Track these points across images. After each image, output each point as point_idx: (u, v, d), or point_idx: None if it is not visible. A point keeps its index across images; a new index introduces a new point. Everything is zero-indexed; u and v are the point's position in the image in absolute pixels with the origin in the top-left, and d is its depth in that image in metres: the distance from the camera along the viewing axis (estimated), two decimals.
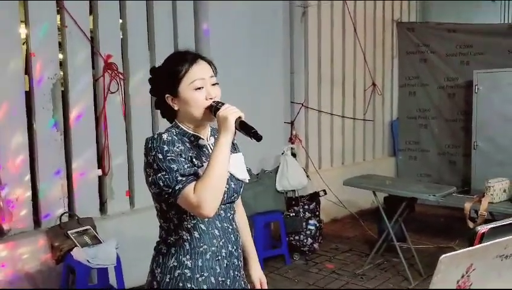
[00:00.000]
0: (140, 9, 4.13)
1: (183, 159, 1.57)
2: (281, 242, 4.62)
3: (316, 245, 4.80)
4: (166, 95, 1.66)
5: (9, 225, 3.50)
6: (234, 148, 1.80)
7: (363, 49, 6.44)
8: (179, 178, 1.53)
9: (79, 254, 3.36)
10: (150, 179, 1.59)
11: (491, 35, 6.18)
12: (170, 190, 1.53)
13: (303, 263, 4.64)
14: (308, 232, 4.74)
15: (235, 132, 1.58)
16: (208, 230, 1.65)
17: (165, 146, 1.57)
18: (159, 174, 1.54)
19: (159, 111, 1.77)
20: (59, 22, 3.75)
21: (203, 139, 1.70)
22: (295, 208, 4.74)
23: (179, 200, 1.54)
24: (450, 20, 6.80)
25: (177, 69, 1.63)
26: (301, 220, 4.71)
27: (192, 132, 1.68)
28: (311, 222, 4.76)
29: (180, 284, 1.62)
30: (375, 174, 5.07)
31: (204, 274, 1.64)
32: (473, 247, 0.96)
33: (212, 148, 1.66)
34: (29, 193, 3.59)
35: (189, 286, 1.62)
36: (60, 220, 3.65)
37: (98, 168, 4.00)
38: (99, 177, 4.02)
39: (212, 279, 1.65)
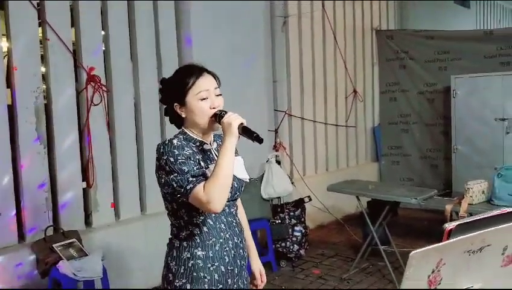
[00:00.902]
0: (122, 21, 4.17)
1: (192, 162, 1.75)
2: (267, 249, 4.65)
3: (302, 251, 4.85)
4: (175, 104, 1.85)
5: None
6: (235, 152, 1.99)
7: (344, 57, 6.55)
8: (190, 179, 1.72)
9: (65, 267, 3.35)
10: (163, 180, 1.78)
11: (468, 41, 6.33)
12: (182, 190, 1.72)
13: (290, 270, 4.68)
14: (294, 238, 4.78)
15: (239, 137, 1.77)
16: (215, 225, 1.85)
17: (175, 150, 1.75)
18: (172, 176, 1.73)
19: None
20: (41, 35, 3.77)
21: (207, 144, 1.89)
22: (281, 215, 4.79)
23: (190, 199, 1.72)
24: (427, 27, 6.98)
25: (185, 81, 1.83)
26: (287, 227, 4.75)
27: (197, 138, 1.87)
28: (297, 228, 4.81)
29: (194, 274, 1.81)
30: (358, 180, 5.15)
31: (215, 264, 1.83)
32: (442, 243, 1.02)
33: (215, 152, 1.90)
34: (13, 207, 3.58)
35: (202, 274, 1.81)
36: (45, 233, 3.64)
37: (83, 180, 3.99)
38: (84, 189, 4.02)
39: (222, 268, 1.84)
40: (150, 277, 4.01)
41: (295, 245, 4.77)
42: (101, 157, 4.05)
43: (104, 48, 4.10)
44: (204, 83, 1.84)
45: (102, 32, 4.10)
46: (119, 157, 4.18)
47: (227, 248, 1.86)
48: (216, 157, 1.86)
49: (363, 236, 4.90)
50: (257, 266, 2.11)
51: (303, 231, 4.84)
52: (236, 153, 1.94)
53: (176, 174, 1.73)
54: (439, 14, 8.33)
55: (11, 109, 3.60)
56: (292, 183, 5.20)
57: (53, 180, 3.82)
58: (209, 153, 1.89)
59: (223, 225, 1.86)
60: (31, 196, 3.67)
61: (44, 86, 3.83)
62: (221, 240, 1.85)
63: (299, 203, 4.98)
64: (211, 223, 1.84)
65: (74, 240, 3.63)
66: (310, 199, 5.10)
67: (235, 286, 1.90)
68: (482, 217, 1.12)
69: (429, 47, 6.60)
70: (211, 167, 1.78)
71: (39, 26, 3.73)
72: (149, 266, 4.01)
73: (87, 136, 3.96)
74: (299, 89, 5.95)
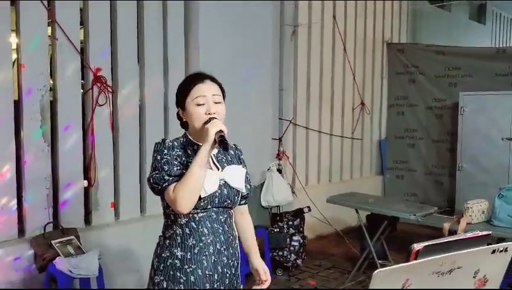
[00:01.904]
0: (131, 23, 4.21)
1: (176, 163, 1.83)
2: (264, 258, 4.64)
3: (299, 261, 4.84)
4: (179, 108, 1.96)
5: None
6: (235, 161, 2.03)
7: (353, 68, 6.55)
8: (166, 177, 1.82)
9: (62, 263, 3.39)
10: (148, 175, 1.88)
11: (480, 59, 6.30)
12: (159, 187, 1.83)
13: (286, 279, 4.68)
14: (291, 248, 4.77)
15: (216, 144, 1.80)
16: (197, 228, 1.87)
17: (165, 150, 1.86)
18: (153, 173, 1.85)
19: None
20: (50, 34, 3.83)
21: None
22: (279, 223, 4.79)
23: (165, 196, 1.83)
24: (440, 42, 6.95)
25: (185, 86, 1.93)
26: (285, 236, 4.75)
27: (196, 142, 1.92)
28: (295, 238, 4.81)
29: (171, 272, 1.87)
30: (359, 193, 5.13)
31: (192, 266, 1.86)
32: (408, 263, 1.02)
33: (214, 158, 1.94)
34: (14, 202, 3.62)
35: (178, 274, 1.86)
36: (44, 229, 3.68)
37: (84, 179, 4.04)
38: (85, 188, 4.06)
39: (199, 271, 1.86)
40: (145, 278, 4.01)
41: (292, 255, 4.77)
42: (103, 157, 4.09)
43: (111, 49, 4.15)
44: (202, 89, 1.89)
45: (111, 34, 4.14)
46: (121, 158, 4.22)
47: (206, 253, 1.87)
48: (213, 163, 1.93)
49: (360, 249, 4.88)
50: (259, 263, 2.12)
51: (301, 240, 4.84)
52: (237, 163, 2.02)
53: (156, 172, 1.83)
54: (453, 30, 8.31)
55: (17, 105, 3.66)
56: (293, 192, 5.20)
57: (55, 177, 3.86)
58: None
59: (205, 230, 1.87)
60: (32, 192, 3.71)
61: (51, 84, 3.88)
62: (201, 244, 1.86)
63: (299, 213, 4.97)
64: (194, 225, 1.87)
65: (73, 237, 3.67)
66: (310, 209, 5.09)
67: None
68: (454, 239, 1.13)
69: (440, 62, 6.58)
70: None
71: (48, 25, 3.79)
72: (145, 267, 4.01)
73: (90, 135, 4.01)
74: (305, 99, 5.96)
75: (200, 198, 1.82)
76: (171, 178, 1.81)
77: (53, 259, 3.45)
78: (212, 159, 1.93)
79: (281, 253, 4.76)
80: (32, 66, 3.65)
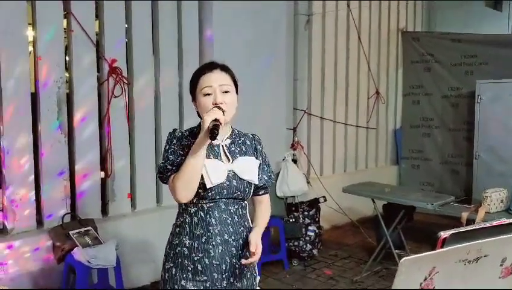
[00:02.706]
0: (146, 14, 4.22)
1: (183, 153, 1.84)
2: (280, 248, 4.66)
3: (315, 251, 4.84)
4: (192, 98, 1.95)
5: (12, 224, 3.58)
6: (250, 152, 1.97)
7: (367, 57, 6.49)
8: (168, 167, 1.85)
9: (80, 254, 3.43)
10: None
11: (496, 46, 6.19)
12: (163, 176, 1.87)
13: (301, 269, 4.68)
14: (307, 238, 4.77)
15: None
16: (205, 217, 1.87)
17: (174, 140, 1.89)
18: (161, 162, 1.89)
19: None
20: (65, 26, 3.84)
21: (217, 139, 1.83)
22: (295, 214, 4.79)
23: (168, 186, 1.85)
24: (455, 29, 6.83)
25: (194, 76, 1.92)
26: (301, 226, 4.75)
27: None
28: (310, 228, 4.80)
29: (179, 260, 1.89)
30: (375, 182, 5.10)
31: (199, 255, 1.86)
32: (435, 251, 1.01)
33: (225, 149, 1.92)
34: (32, 193, 3.67)
35: (186, 262, 1.87)
36: (62, 220, 3.72)
37: (101, 170, 4.07)
38: (102, 179, 4.09)
39: (206, 261, 1.85)
40: (161, 268, 4.06)
41: (308, 245, 4.77)
42: (119, 148, 4.12)
43: (126, 41, 4.16)
44: (210, 79, 1.87)
45: (126, 25, 4.15)
46: (137, 149, 4.24)
47: (213, 243, 1.85)
48: (224, 154, 1.91)
49: (376, 239, 4.86)
50: (252, 235, 1.90)
51: (317, 231, 4.83)
52: (250, 154, 1.96)
53: (163, 161, 1.88)
54: (469, 17, 8.16)
55: (34, 98, 3.69)
56: (308, 182, 5.19)
57: (72, 168, 3.90)
58: (216, 148, 1.91)
59: (213, 220, 1.86)
60: (50, 183, 3.76)
61: (67, 76, 3.90)
62: (208, 234, 1.86)
63: (314, 203, 4.97)
64: (202, 215, 1.87)
65: (90, 228, 3.70)
66: (325, 200, 5.08)
67: (224, 282, 1.89)
68: (480, 227, 1.11)
69: (456, 50, 6.49)
70: (205, 161, 1.81)
71: (64, 17, 3.80)
72: (161, 258, 4.04)
73: (106, 127, 4.03)
74: (319, 88, 5.92)
75: (206, 188, 1.82)
76: (174, 168, 1.82)
77: (71, 250, 3.49)
78: (223, 149, 1.91)
79: (296, 243, 4.76)
80: (48, 58, 3.67)
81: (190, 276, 1.86)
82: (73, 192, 3.92)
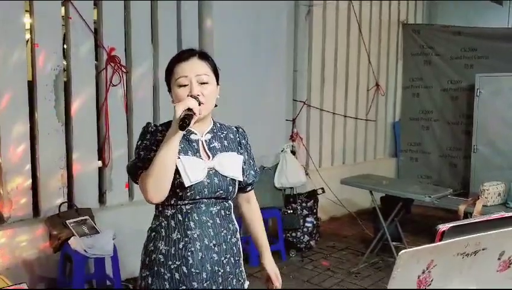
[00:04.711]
0: (145, 3, 4.18)
1: (155, 149, 1.66)
2: (277, 238, 4.66)
3: (312, 242, 4.84)
4: (167, 88, 1.79)
5: (9, 212, 3.57)
6: (233, 146, 1.83)
7: (368, 49, 6.46)
8: (138, 164, 1.69)
9: (76, 243, 3.42)
10: None
11: (496, 40, 6.17)
12: (131, 175, 1.73)
13: (299, 260, 4.69)
14: (305, 229, 4.78)
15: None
16: (183, 221, 1.69)
17: (148, 135, 1.73)
18: (131, 160, 1.75)
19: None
20: (63, 13, 3.80)
21: (195, 134, 1.75)
22: (293, 205, 4.78)
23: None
24: (456, 22, 6.80)
25: (169, 66, 1.75)
26: (298, 217, 4.75)
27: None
28: (308, 219, 4.80)
29: (155, 268, 1.71)
30: (373, 174, 5.10)
31: (176, 262, 1.68)
32: (433, 244, 1.00)
33: (205, 144, 1.75)
34: (29, 182, 3.66)
35: (162, 270, 1.70)
36: (59, 209, 3.71)
37: (99, 159, 4.05)
38: (99, 168, 4.08)
39: (184, 269, 1.68)
40: None
41: (306, 236, 4.77)
42: (117, 137, 4.10)
43: (125, 29, 4.12)
44: (184, 69, 1.69)
45: (124, 14, 4.11)
46: (135, 138, 4.18)
47: (192, 249, 1.68)
48: (203, 151, 1.75)
49: (374, 231, 4.87)
50: (272, 268, 1.95)
51: (314, 222, 4.84)
52: (233, 149, 1.81)
53: (134, 158, 1.73)
54: (469, 11, 8.11)
55: (31, 85, 3.66)
56: (307, 174, 5.18)
57: (69, 157, 3.88)
58: (194, 144, 1.75)
59: (192, 223, 1.69)
60: (47, 172, 3.74)
61: (65, 64, 3.87)
62: (186, 239, 1.68)
63: (312, 195, 4.96)
64: (180, 218, 1.69)
65: (87, 217, 3.69)
66: (323, 191, 5.08)
67: None
68: (479, 220, 1.10)
69: (456, 43, 6.47)
70: (182, 157, 1.67)
71: (62, 4, 3.76)
72: None
73: (104, 115, 4.01)
74: (319, 80, 5.90)
75: (185, 188, 1.65)
76: (145, 165, 1.64)
77: (68, 239, 3.48)
78: (203, 145, 1.75)
79: (294, 234, 4.76)
80: (45, 46, 3.64)
81: (167, 286, 1.68)
82: (70, 181, 3.90)
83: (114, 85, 4.01)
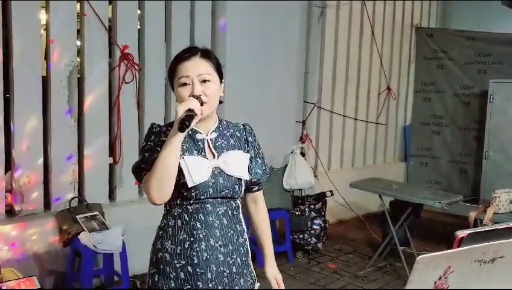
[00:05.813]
0: (159, 2, 4.19)
1: (160, 149, 1.62)
2: (285, 240, 4.65)
3: (319, 245, 4.83)
4: (172, 89, 1.78)
5: (20, 206, 3.60)
6: (240, 144, 1.81)
7: (380, 52, 6.43)
8: (142, 165, 1.70)
9: (86, 238, 3.44)
10: None
11: (511, 45, 6.12)
12: (136, 176, 1.73)
13: (306, 262, 4.68)
14: (312, 231, 4.77)
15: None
16: (190, 221, 1.70)
17: (152, 136, 1.73)
18: (136, 161, 1.74)
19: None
20: (78, 10, 3.83)
21: (201, 133, 1.75)
22: (301, 207, 4.78)
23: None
24: (470, 26, 6.75)
25: (172, 66, 1.74)
26: (306, 219, 4.74)
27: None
28: (316, 221, 4.80)
29: (161, 267, 1.73)
30: (383, 178, 5.08)
31: (182, 262, 1.69)
32: (451, 250, 0.99)
33: (210, 143, 1.74)
34: (41, 176, 3.68)
35: (168, 269, 1.71)
36: (70, 204, 3.74)
37: (110, 156, 4.07)
38: (110, 164, 4.10)
39: (189, 268, 1.69)
40: None
41: (313, 238, 4.76)
42: (129, 134, 4.12)
43: (139, 27, 4.14)
44: (186, 68, 1.68)
45: (138, 12, 4.13)
46: None
47: (197, 249, 1.68)
48: (209, 150, 1.74)
49: (382, 235, 4.85)
50: (272, 273, 1.94)
51: (322, 224, 4.83)
52: (238, 148, 1.79)
53: (138, 160, 1.73)
54: (484, 15, 8.04)
55: (45, 81, 3.68)
56: (315, 176, 5.17)
57: (81, 153, 3.90)
58: (200, 143, 1.74)
59: (198, 224, 1.69)
60: (58, 167, 3.77)
61: (79, 60, 3.89)
62: (191, 239, 1.68)
63: (321, 197, 4.96)
64: (186, 218, 1.70)
65: (97, 213, 3.72)
66: (332, 194, 5.07)
67: None
68: (498, 227, 1.09)
69: (470, 48, 6.43)
70: (186, 158, 1.66)
71: (77, 1, 3.79)
72: None
73: (116, 112, 4.03)
74: (330, 82, 5.89)
75: (189, 188, 1.64)
76: (148, 166, 1.64)
77: (77, 234, 3.51)
78: (208, 144, 1.74)
79: (301, 236, 4.76)
80: (60, 42, 3.66)
81: (172, 284, 1.69)
82: (81, 176, 3.93)
83: (127, 82, 4.03)
